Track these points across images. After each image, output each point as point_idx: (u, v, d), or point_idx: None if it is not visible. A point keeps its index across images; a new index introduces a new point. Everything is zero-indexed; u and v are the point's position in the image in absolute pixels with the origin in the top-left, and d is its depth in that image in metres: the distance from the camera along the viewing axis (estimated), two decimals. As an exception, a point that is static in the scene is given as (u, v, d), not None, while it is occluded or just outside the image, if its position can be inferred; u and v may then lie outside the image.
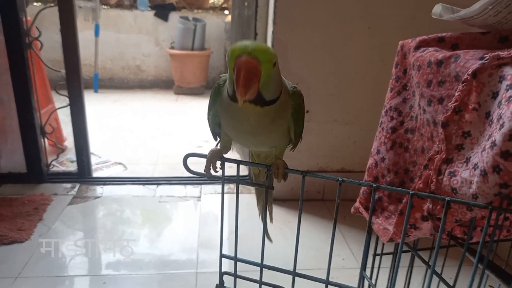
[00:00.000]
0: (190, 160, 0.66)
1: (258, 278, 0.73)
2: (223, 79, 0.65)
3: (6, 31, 1.73)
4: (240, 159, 0.67)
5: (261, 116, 0.59)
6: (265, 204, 0.66)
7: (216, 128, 0.69)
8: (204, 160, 0.67)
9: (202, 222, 1.67)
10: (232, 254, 0.74)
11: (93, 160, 2.17)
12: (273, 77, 0.56)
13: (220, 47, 4.50)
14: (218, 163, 0.66)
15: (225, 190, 1.94)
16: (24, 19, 1.75)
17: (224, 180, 0.65)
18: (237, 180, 0.62)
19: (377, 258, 0.90)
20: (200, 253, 1.45)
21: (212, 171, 0.65)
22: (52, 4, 1.80)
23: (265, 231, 0.74)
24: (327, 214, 1.76)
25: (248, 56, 0.52)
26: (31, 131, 1.86)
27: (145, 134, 2.91)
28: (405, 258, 0.91)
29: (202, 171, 0.66)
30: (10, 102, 1.81)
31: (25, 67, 1.77)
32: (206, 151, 0.67)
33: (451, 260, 0.99)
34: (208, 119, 0.70)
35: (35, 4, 3.99)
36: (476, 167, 0.54)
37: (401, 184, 0.77)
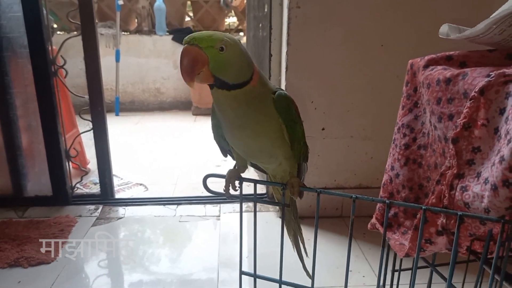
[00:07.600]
0: (210, 180, 0.69)
1: (277, 295, 0.74)
2: None
3: (34, 60, 1.82)
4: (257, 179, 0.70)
5: (235, 101, 0.62)
6: (282, 220, 0.68)
7: (221, 141, 0.74)
8: (223, 180, 0.70)
9: (221, 241, 1.69)
10: (252, 272, 0.75)
11: (115, 181, 2.23)
12: (226, 61, 0.60)
13: (236, 68, 4.58)
14: (237, 183, 0.68)
15: (244, 209, 1.97)
16: (50, 48, 1.84)
17: (242, 198, 0.68)
18: (255, 198, 0.65)
19: (396, 274, 0.90)
20: (220, 272, 1.46)
21: (231, 190, 0.68)
22: (76, 33, 1.89)
23: (303, 265, 0.81)
24: (345, 231, 1.76)
25: (187, 44, 0.60)
26: (56, 155, 1.93)
27: (165, 154, 2.96)
28: (425, 274, 0.91)
29: (221, 191, 0.69)
30: (37, 127, 1.89)
31: (51, 95, 1.85)
32: (225, 171, 0.70)
33: (472, 276, 0.98)
34: (213, 131, 0.76)
35: (58, 33, 4.17)
36: (486, 181, 0.55)
37: (416, 199, 0.78)
